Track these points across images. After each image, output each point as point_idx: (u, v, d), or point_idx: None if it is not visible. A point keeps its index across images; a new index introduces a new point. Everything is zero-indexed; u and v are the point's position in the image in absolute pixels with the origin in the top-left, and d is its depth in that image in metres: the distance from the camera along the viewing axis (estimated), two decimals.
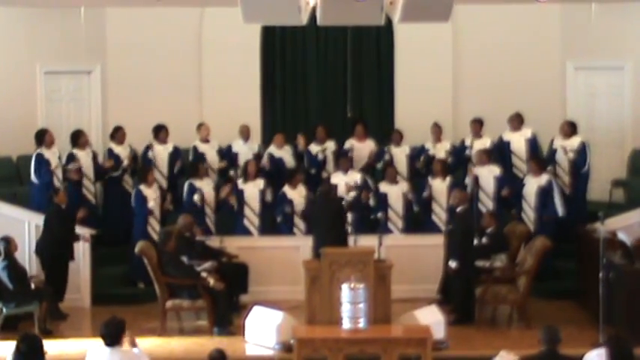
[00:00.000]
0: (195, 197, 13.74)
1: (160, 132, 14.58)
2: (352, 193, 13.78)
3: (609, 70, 15.66)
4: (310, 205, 13.50)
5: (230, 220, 14.06)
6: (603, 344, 8.45)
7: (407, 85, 15.91)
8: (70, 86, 15.57)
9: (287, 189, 13.96)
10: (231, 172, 14.58)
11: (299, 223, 13.87)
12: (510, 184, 14.09)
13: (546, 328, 8.20)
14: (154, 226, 13.56)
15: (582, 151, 14.35)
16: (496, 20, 15.51)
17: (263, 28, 15.78)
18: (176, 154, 14.69)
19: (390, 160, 14.60)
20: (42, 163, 13.72)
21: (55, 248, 12.78)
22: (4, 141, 14.52)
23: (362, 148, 14.88)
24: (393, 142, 14.80)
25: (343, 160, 14.37)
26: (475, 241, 12.73)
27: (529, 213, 13.76)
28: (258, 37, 15.90)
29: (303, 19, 9.80)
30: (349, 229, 13.19)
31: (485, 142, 14.61)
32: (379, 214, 13.87)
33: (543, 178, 13.75)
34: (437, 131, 14.81)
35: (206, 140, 14.82)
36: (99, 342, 8.17)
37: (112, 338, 7.99)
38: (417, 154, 14.82)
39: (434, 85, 15.72)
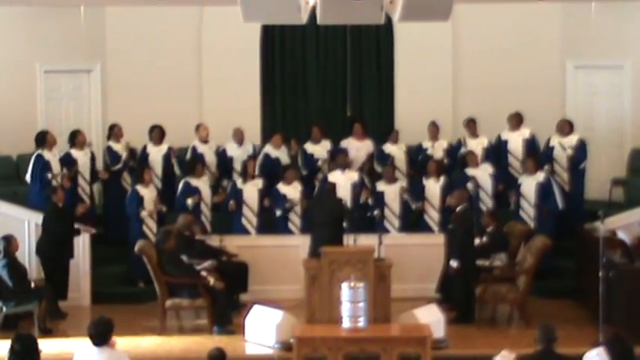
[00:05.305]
0: (189, 201, 13.69)
1: (154, 133, 14.52)
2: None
3: (609, 69, 15.66)
4: (310, 206, 13.45)
5: (227, 219, 14.04)
6: (604, 343, 8.45)
7: (407, 84, 15.91)
8: (70, 85, 15.60)
9: (281, 185, 13.96)
10: (225, 182, 14.55)
11: (295, 219, 13.86)
12: (504, 179, 14.18)
13: (542, 327, 8.21)
14: (151, 227, 13.53)
15: (581, 147, 14.39)
16: (496, 19, 15.51)
17: (263, 27, 15.77)
18: (170, 156, 14.63)
19: (392, 159, 14.62)
20: (39, 165, 13.62)
21: (54, 247, 12.77)
22: (3, 140, 14.53)
23: (360, 147, 14.88)
24: (391, 140, 14.81)
25: (341, 157, 14.34)
26: (477, 241, 12.74)
27: (528, 211, 13.76)
28: (258, 36, 15.90)
29: (303, 18, 9.76)
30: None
31: (482, 142, 14.63)
32: (375, 212, 13.87)
33: (540, 176, 13.78)
34: (434, 130, 14.82)
35: (205, 141, 14.80)
36: (86, 342, 8.16)
37: (100, 338, 8.01)
38: (416, 153, 14.82)
39: (433, 84, 15.73)
